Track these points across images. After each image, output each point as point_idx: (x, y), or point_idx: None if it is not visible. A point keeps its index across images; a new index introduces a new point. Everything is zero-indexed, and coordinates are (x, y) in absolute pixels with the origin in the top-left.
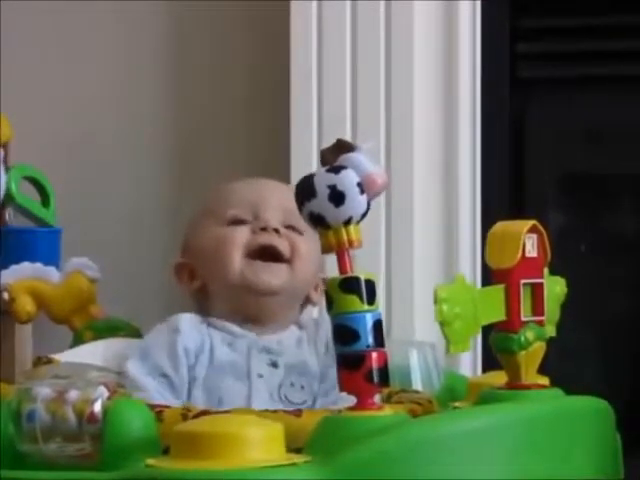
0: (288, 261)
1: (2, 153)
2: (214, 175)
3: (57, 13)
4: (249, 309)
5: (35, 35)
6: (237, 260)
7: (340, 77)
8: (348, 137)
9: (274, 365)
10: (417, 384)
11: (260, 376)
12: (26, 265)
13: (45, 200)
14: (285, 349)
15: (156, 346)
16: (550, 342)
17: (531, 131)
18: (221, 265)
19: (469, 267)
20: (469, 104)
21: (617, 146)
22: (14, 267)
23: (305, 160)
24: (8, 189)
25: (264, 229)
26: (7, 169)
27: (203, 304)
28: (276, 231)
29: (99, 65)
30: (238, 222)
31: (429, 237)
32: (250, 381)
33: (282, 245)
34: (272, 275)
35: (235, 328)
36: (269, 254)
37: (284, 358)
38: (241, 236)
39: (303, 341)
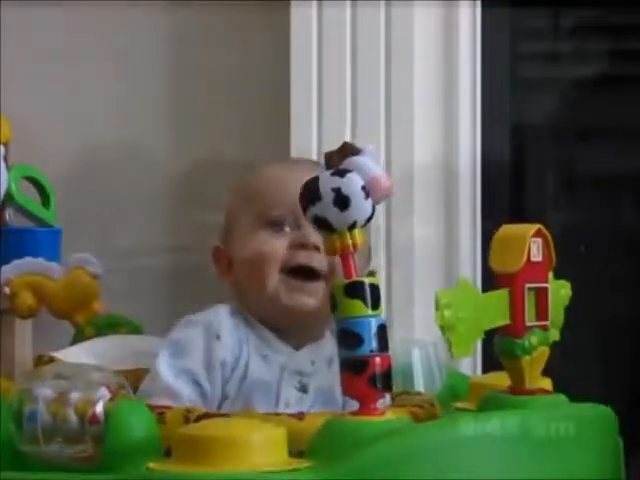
0: (325, 277)
1: (2, 151)
2: (214, 176)
3: (57, 13)
4: (283, 324)
5: (35, 35)
6: (273, 277)
7: (340, 77)
8: (348, 138)
9: (304, 390)
10: (419, 382)
11: (287, 405)
12: (28, 260)
13: (45, 200)
14: (317, 370)
15: (192, 347)
16: (551, 344)
17: (531, 131)
18: (257, 278)
19: (469, 267)
20: (469, 104)
21: (617, 146)
22: (16, 262)
23: None
24: (8, 189)
25: (304, 245)
26: (7, 169)
27: (241, 293)
28: (316, 248)
29: (99, 65)
30: (278, 224)
31: (429, 237)
32: (277, 409)
33: (320, 264)
34: (308, 295)
35: (272, 338)
36: (307, 272)
37: (315, 381)
38: (280, 247)
39: (334, 359)
